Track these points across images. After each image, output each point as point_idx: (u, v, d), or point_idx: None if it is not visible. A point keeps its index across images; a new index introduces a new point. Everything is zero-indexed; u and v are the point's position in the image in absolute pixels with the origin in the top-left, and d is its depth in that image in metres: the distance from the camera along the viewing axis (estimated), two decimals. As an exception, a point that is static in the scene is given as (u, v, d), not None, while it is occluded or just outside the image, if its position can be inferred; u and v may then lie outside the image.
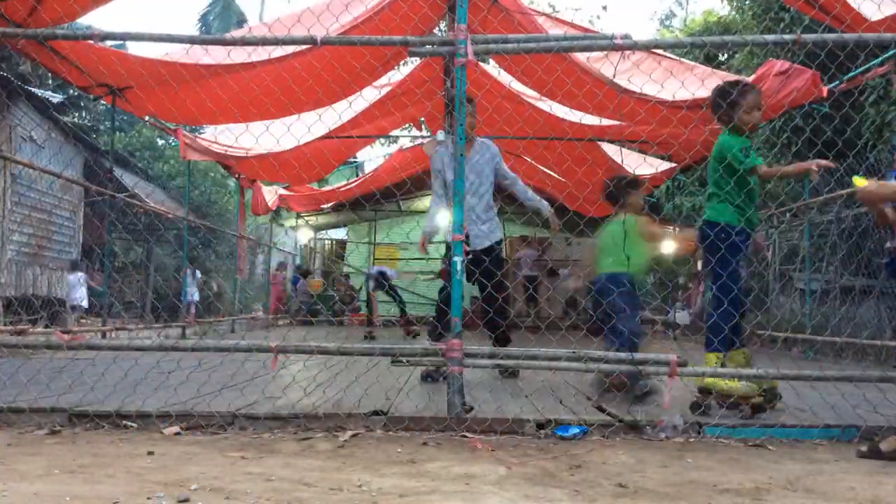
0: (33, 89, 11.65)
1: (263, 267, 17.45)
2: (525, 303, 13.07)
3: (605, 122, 6.81)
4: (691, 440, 2.98)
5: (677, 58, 6.61)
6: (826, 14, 4.76)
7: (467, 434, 2.96)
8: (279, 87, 6.29)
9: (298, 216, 15.59)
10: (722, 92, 3.51)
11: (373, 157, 19.94)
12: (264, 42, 3.57)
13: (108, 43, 5.98)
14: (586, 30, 7.18)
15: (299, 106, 6.77)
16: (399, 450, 2.66)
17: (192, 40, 3.52)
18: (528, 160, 10.58)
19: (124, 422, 3.03)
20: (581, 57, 5.79)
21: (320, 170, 10.95)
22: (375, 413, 3.13)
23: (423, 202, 16.04)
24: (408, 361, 3.25)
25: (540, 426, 3.04)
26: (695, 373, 3.18)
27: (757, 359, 6.30)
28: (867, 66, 5.71)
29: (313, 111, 6.97)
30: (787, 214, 8.50)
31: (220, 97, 6.26)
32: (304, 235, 16.46)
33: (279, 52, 5.56)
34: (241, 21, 24.46)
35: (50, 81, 15.73)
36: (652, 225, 4.10)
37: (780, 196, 8.27)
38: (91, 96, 7.07)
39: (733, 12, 12.27)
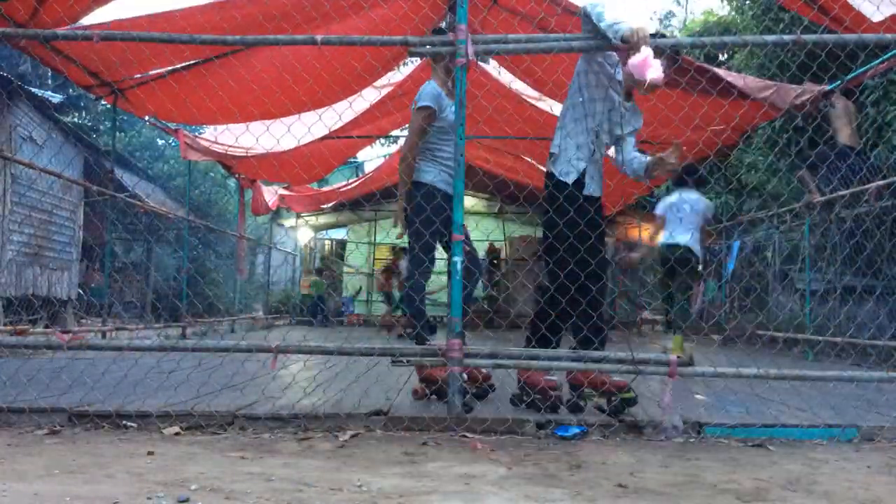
0: (33, 89, 11.65)
1: (263, 267, 17.46)
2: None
3: None
4: (691, 440, 2.98)
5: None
6: (825, 15, 4.76)
7: (467, 434, 2.96)
8: (279, 88, 6.30)
9: (298, 216, 15.60)
10: None
11: (373, 157, 19.96)
12: (265, 42, 3.58)
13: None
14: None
15: (300, 106, 6.77)
16: (399, 450, 2.66)
17: (192, 40, 3.52)
18: (529, 160, 10.58)
19: (124, 422, 3.03)
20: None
21: (320, 170, 10.95)
22: (375, 413, 3.13)
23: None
24: (408, 361, 3.24)
25: (540, 426, 3.04)
26: (694, 372, 3.18)
27: (757, 359, 6.31)
28: (867, 66, 5.71)
29: (313, 111, 6.98)
30: (788, 214, 8.50)
31: (221, 97, 6.27)
32: (304, 235, 16.47)
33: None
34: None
35: (50, 81, 15.76)
36: None
37: (783, 195, 8.27)
38: (92, 96, 7.08)
39: (733, 12, 12.26)
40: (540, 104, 7.58)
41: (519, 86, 7.50)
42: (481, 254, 15.28)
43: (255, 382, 4.17)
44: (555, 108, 7.56)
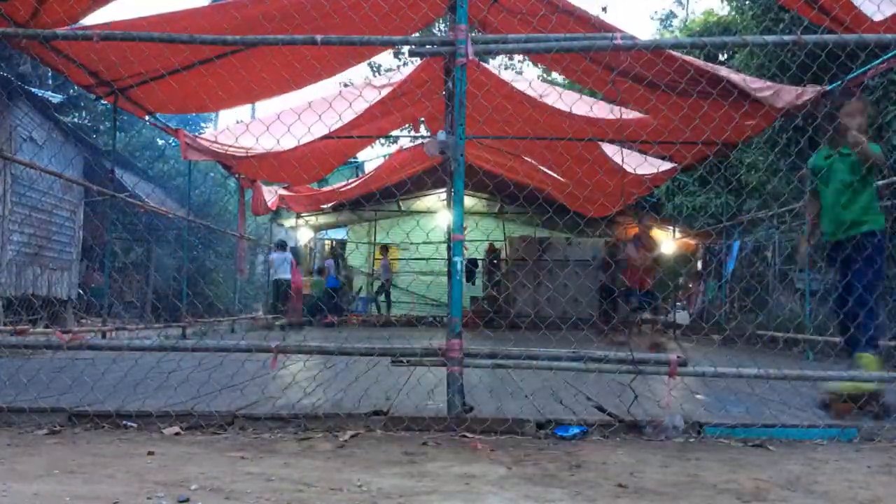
0: (33, 89, 11.65)
1: (263, 267, 17.46)
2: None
3: (610, 115, 6.81)
4: (691, 440, 2.98)
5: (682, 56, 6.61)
6: (826, 15, 4.76)
7: (467, 434, 2.96)
8: (269, 74, 6.35)
9: (298, 216, 15.60)
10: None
11: (373, 157, 19.98)
12: (264, 42, 3.57)
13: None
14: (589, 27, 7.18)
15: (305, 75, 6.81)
16: (399, 450, 2.66)
17: (192, 40, 3.52)
18: (529, 160, 10.58)
19: (124, 422, 3.03)
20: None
21: (320, 170, 10.96)
22: (375, 413, 3.13)
23: (423, 202, 16.06)
24: (408, 361, 3.24)
25: (540, 426, 3.04)
26: (694, 372, 3.18)
27: (757, 359, 6.30)
28: (867, 66, 5.71)
29: (312, 110, 6.99)
30: (789, 214, 8.50)
31: (221, 96, 6.29)
32: (304, 235, 16.47)
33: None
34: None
35: (50, 81, 15.74)
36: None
37: (783, 195, 8.27)
38: (91, 96, 7.09)
39: (733, 12, 12.26)
40: (545, 100, 7.55)
41: (521, 85, 7.50)
42: (481, 254, 15.29)
43: (255, 382, 4.17)
44: (557, 103, 7.54)
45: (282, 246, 12.91)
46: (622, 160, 8.11)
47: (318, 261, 16.46)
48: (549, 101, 7.40)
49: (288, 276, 12.58)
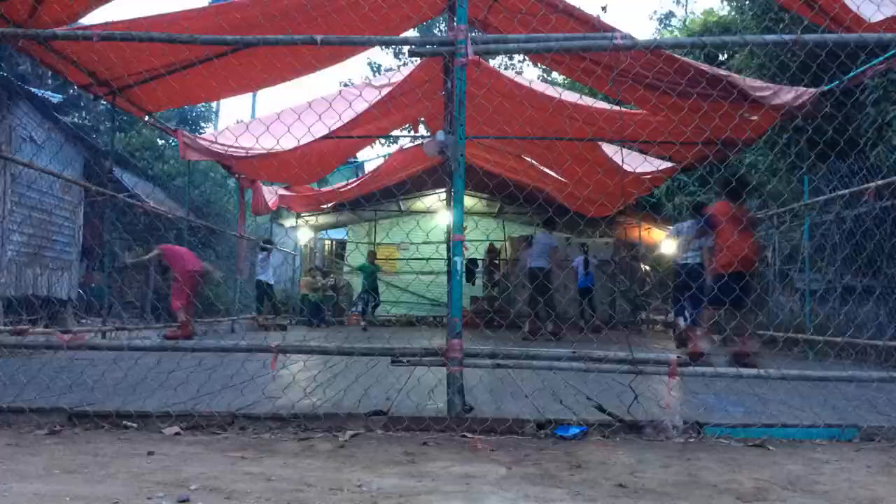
0: (33, 89, 11.64)
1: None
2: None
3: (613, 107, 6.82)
4: (691, 440, 2.98)
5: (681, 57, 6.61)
6: (825, 15, 4.76)
7: (467, 434, 2.96)
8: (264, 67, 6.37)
9: (298, 216, 15.59)
10: None
11: (373, 157, 20.00)
12: (265, 42, 3.57)
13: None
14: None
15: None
16: (399, 450, 2.66)
17: (192, 40, 3.52)
18: (529, 160, 10.58)
19: (124, 422, 3.03)
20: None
21: (320, 170, 10.95)
22: (375, 413, 3.13)
23: (423, 202, 16.05)
24: (408, 361, 3.24)
25: (540, 426, 3.04)
26: (694, 373, 3.18)
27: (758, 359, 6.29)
28: (867, 65, 5.71)
29: (312, 110, 6.99)
30: (788, 214, 8.49)
31: (217, 90, 6.31)
32: (304, 235, 16.46)
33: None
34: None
35: (50, 81, 15.75)
36: None
37: (783, 195, 8.27)
38: (91, 96, 7.10)
39: (733, 12, 12.26)
40: (549, 91, 7.54)
41: (521, 82, 7.51)
42: (481, 254, 15.28)
43: (255, 382, 4.17)
44: (564, 95, 7.54)
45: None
46: (622, 160, 8.11)
47: (318, 260, 16.32)
48: (549, 93, 7.40)
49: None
